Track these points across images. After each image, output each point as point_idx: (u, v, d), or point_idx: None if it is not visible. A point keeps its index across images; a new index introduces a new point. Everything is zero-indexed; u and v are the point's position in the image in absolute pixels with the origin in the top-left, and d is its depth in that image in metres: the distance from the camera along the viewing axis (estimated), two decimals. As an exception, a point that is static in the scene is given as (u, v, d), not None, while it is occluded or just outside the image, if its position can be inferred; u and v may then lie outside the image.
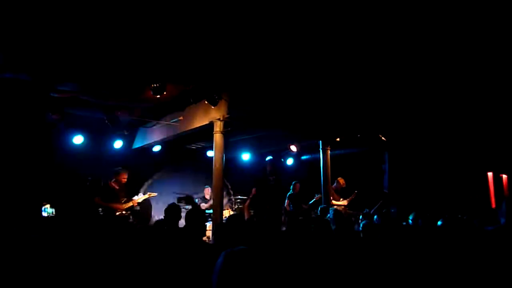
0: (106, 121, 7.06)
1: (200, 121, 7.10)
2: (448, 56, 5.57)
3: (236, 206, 9.79)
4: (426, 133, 8.23)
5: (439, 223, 3.76)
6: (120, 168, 6.73)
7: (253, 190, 7.48)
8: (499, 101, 6.86)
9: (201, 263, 3.17)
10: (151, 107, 7.44)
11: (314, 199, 8.51)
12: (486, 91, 6.55)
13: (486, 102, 6.87)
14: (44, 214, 7.07)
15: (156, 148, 9.14)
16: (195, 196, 9.47)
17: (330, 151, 8.60)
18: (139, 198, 6.87)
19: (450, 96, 6.72)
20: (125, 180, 6.67)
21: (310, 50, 5.43)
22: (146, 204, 7.92)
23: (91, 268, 3.37)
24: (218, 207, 6.51)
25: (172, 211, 4.40)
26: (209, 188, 8.94)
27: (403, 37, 5.08)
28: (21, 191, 5.76)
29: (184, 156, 10.36)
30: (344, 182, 8.67)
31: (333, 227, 4.51)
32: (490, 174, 9.47)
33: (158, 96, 6.19)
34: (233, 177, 10.59)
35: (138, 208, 6.73)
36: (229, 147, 8.40)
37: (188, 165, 10.30)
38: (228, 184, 10.61)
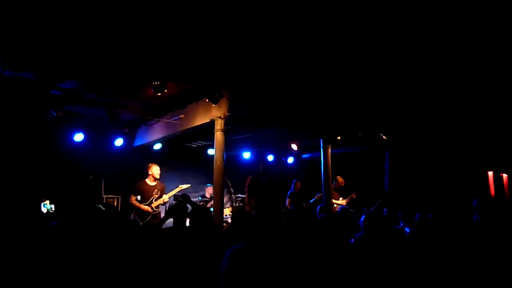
0: (106, 117, 7.08)
1: (201, 119, 7.10)
2: (449, 56, 5.56)
3: (237, 204, 9.80)
4: (426, 132, 8.23)
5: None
6: (148, 163, 6.81)
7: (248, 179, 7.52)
8: (500, 101, 6.86)
9: (207, 262, 3.18)
10: (152, 105, 7.45)
11: (315, 198, 8.52)
12: (486, 90, 6.54)
13: (486, 101, 6.86)
14: (44, 210, 7.10)
15: (157, 146, 9.15)
16: (196, 194, 9.48)
17: (331, 149, 8.61)
18: (169, 194, 6.87)
19: (451, 95, 6.71)
20: (158, 173, 6.75)
21: (311, 48, 5.43)
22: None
23: (91, 265, 3.37)
24: (219, 205, 6.52)
25: (177, 210, 4.38)
26: (211, 187, 8.95)
27: (404, 35, 5.08)
28: (21, 187, 5.78)
29: (185, 154, 10.37)
30: (343, 180, 8.68)
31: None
32: (490, 173, 9.48)
33: (159, 94, 6.21)
34: (234, 176, 10.60)
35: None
36: (230, 145, 8.40)
37: (189, 163, 10.31)
38: (229, 182, 10.61)
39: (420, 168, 9.04)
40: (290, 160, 11.24)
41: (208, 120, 6.88)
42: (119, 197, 8.56)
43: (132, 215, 6.85)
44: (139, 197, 6.75)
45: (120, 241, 3.83)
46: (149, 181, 6.84)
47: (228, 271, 1.70)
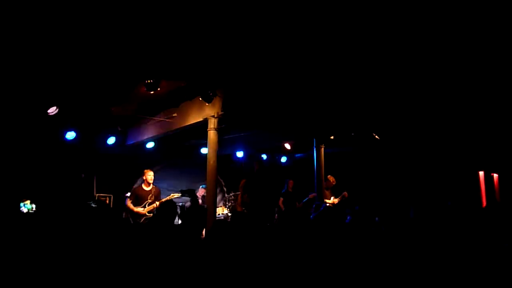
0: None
1: (194, 118, 7.09)
2: (440, 57, 5.61)
3: (230, 204, 9.80)
4: (418, 132, 8.29)
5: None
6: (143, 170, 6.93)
7: (242, 182, 7.56)
8: (491, 101, 6.93)
9: (196, 260, 3.17)
10: (145, 103, 7.41)
11: (308, 198, 8.53)
12: (478, 91, 6.61)
13: (478, 101, 6.93)
14: (24, 210, 7.06)
15: (150, 145, 9.11)
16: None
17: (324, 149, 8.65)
18: (163, 200, 6.96)
19: (443, 96, 6.77)
20: (151, 178, 6.85)
21: (305, 49, 5.44)
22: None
23: (80, 262, 3.35)
24: (211, 204, 6.51)
25: (167, 208, 4.37)
26: (204, 189, 8.94)
27: (396, 36, 5.11)
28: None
29: (178, 153, 10.33)
30: (334, 180, 8.70)
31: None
32: (481, 173, 9.57)
33: (152, 92, 6.18)
34: (227, 175, 10.59)
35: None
36: (223, 144, 8.39)
37: (182, 162, 10.28)
38: (222, 181, 10.61)
39: (410, 168, 9.11)
40: (283, 159, 11.26)
41: (201, 119, 6.87)
42: (111, 196, 8.51)
43: (124, 216, 6.88)
44: (133, 202, 6.86)
45: (112, 238, 3.81)
46: (145, 187, 6.97)
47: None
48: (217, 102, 6.57)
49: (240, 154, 10.48)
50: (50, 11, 4.43)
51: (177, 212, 4.41)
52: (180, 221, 7.69)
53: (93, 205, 6.54)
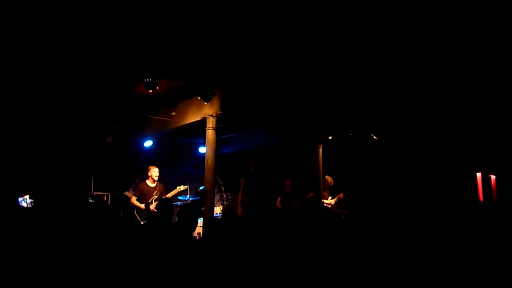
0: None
1: (192, 117, 7.08)
2: (437, 58, 5.62)
3: (227, 203, 9.79)
4: (416, 134, 8.31)
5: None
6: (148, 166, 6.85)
7: (242, 181, 7.54)
8: (489, 102, 6.95)
9: (189, 259, 3.18)
10: (143, 101, 7.40)
11: (306, 198, 8.54)
12: (475, 92, 6.63)
13: (475, 103, 6.95)
14: (24, 204, 7.04)
15: (148, 144, 9.08)
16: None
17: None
18: (169, 194, 6.88)
19: (440, 97, 6.78)
20: (156, 175, 6.76)
21: (303, 48, 5.45)
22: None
23: (75, 260, 3.35)
24: (209, 203, 6.51)
25: (164, 206, 4.39)
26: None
27: (393, 37, 5.12)
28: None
29: (176, 152, 10.31)
30: (332, 180, 8.71)
31: None
32: (479, 174, 9.60)
33: (151, 91, 6.17)
34: (225, 174, 10.58)
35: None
36: (222, 143, 8.39)
37: (180, 161, 10.26)
38: (220, 180, 10.59)
39: (409, 169, 9.12)
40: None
41: (200, 118, 6.87)
42: (109, 194, 8.50)
43: (122, 215, 6.84)
44: (137, 198, 6.77)
45: (108, 235, 3.81)
46: (149, 183, 6.89)
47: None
48: (216, 101, 6.57)
49: (238, 153, 10.46)
50: (50, 11, 4.44)
51: (174, 211, 4.42)
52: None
53: (91, 201, 6.55)
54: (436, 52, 5.49)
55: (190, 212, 3.89)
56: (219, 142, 7.14)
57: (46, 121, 7.27)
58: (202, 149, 9.32)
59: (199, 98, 6.37)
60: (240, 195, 7.60)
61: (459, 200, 8.63)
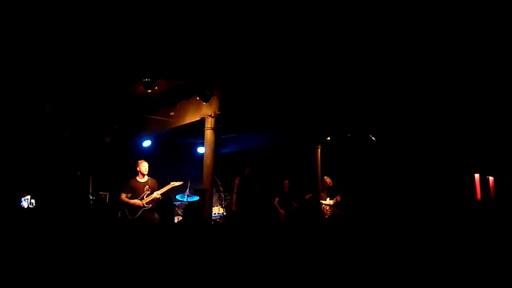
0: None
1: (191, 117, 7.08)
2: (435, 60, 5.64)
3: (226, 203, 9.80)
4: (414, 135, 8.32)
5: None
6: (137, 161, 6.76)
7: (236, 180, 7.52)
8: (487, 104, 6.96)
9: (194, 258, 3.18)
10: (142, 101, 7.40)
11: (304, 199, 8.54)
12: (474, 94, 6.64)
13: (473, 104, 6.96)
14: (25, 204, 7.02)
15: (146, 143, 9.08)
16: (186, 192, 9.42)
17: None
18: (162, 189, 6.78)
19: (439, 98, 6.80)
20: (146, 169, 6.68)
21: (302, 49, 5.45)
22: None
23: (75, 259, 3.34)
24: (208, 204, 6.51)
25: (164, 205, 4.37)
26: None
27: (391, 39, 5.13)
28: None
29: (175, 152, 10.31)
30: (330, 181, 8.71)
31: None
32: (477, 176, 9.61)
33: (149, 91, 6.17)
34: (223, 174, 10.57)
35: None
36: (221, 143, 8.39)
37: (179, 161, 10.26)
38: (218, 181, 10.59)
39: (407, 170, 9.13)
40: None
41: (198, 118, 6.86)
42: (107, 194, 8.49)
43: (120, 213, 6.77)
44: (129, 195, 6.67)
45: (108, 234, 3.82)
46: (139, 178, 6.77)
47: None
48: (215, 102, 6.57)
49: (237, 153, 10.46)
50: (50, 11, 4.44)
51: (174, 211, 4.41)
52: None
53: (92, 198, 6.51)
54: (434, 54, 5.50)
55: (193, 213, 3.89)
56: (218, 142, 7.14)
57: (44, 120, 7.25)
58: (200, 149, 9.33)
59: (198, 98, 6.37)
60: (234, 195, 7.59)
61: (457, 201, 8.65)
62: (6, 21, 4.57)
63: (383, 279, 3.24)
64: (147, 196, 6.59)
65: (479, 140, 8.35)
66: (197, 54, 5.62)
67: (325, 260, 3.32)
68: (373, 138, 8.40)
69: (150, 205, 6.53)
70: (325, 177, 8.74)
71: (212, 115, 6.64)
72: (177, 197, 7.93)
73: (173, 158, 10.24)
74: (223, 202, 10.03)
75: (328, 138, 8.61)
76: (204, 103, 6.45)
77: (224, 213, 9.08)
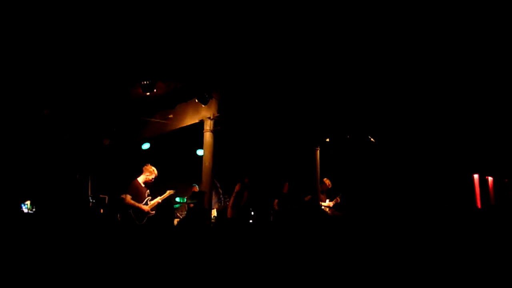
0: None
1: (190, 120, 7.09)
2: (434, 61, 5.64)
3: (225, 205, 9.77)
4: (413, 136, 8.32)
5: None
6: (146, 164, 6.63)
7: (237, 186, 7.47)
8: (485, 105, 6.97)
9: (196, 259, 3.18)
10: (141, 103, 7.40)
11: (304, 200, 8.52)
12: (473, 95, 6.65)
13: (472, 105, 6.97)
14: (25, 210, 6.99)
15: (145, 146, 9.07)
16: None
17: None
18: (161, 196, 6.72)
19: (438, 99, 6.80)
20: (151, 176, 6.51)
21: (301, 51, 5.45)
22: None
23: (76, 262, 3.34)
24: (207, 205, 6.50)
25: (165, 208, 4.35)
26: (197, 187, 8.90)
27: (390, 40, 5.14)
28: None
29: (174, 154, 10.29)
30: (330, 183, 8.69)
31: None
32: (476, 176, 9.61)
33: (148, 93, 6.16)
34: (222, 176, 10.56)
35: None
36: (219, 145, 8.37)
37: (178, 163, 10.24)
38: (217, 183, 10.58)
39: (406, 171, 9.13)
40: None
41: (197, 121, 6.87)
42: (106, 197, 8.48)
43: (119, 216, 6.71)
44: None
45: (109, 237, 3.82)
46: (144, 183, 6.61)
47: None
48: (213, 104, 6.58)
49: (235, 156, 10.45)
50: (49, 13, 4.43)
51: (174, 213, 4.40)
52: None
53: (91, 200, 6.48)
54: (433, 56, 5.51)
55: (195, 215, 3.89)
56: (217, 144, 7.13)
57: (43, 123, 7.25)
58: (199, 152, 9.33)
59: (196, 101, 6.37)
60: (232, 199, 7.55)
61: (456, 202, 8.65)
62: (6, 23, 4.56)
63: (382, 280, 3.24)
64: (150, 201, 6.49)
65: (478, 141, 8.36)
66: (196, 56, 5.62)
67: (323, 261, 3.32)
68: (372, 139, 8.40)
69: (154, 211, 6.41)
70: (325, 178, 8.72)
71: (211, 118, 6.64)
72: (176, 199, 7.91)
73: (172, 160, 10.22)
74: (221, 204, 10.01)
75: (327, 140, 8.60)
76: (203, 106, 6.45)
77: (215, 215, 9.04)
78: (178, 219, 8.29)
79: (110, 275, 3.16)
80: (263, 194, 7.71)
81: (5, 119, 6.38)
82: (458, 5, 4.39)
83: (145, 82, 6.02)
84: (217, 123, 6.71)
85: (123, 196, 6.47)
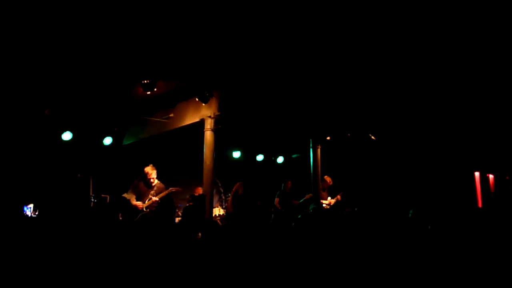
0: None
1: (191, 118, 7.08)
2: (435, 58, 5.63)
3: (226, 205, 9.77)
4: (414, 133, 8.31)
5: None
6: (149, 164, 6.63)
7: (237, 184, 7.49)
8: (487, 102, 6.96)
9: (193, 258, 3.18)
10: (141, 103, 7.40)
11: (304, 198, 8.53)
12: (474, 92, 6.64)
13: (473, 102, 6.96)
14: (28, 213, 6.98)
15: (146, 145, 9.07)
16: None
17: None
18: (160, 194, 6.71)
19: (439, 97, 6.79)
20: (151, 176, 6.50)
21: (301, 49, 5.45)
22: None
23: (79, 265, 3.34)
24: (208, 205, 6.50)
25: (165, 205, 4.36)
26: (200, 188, 8.90)
27: (391, 38, 5.13)
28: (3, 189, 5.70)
29: (175, 153, 10.29)
30: (331, 180, 8.69)
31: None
32: (477, 174, 9.60)
33: (149, 92, 6.16)
34: (223, 175, 10.56)
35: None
36: (220, 144, 8.38)
37: (178, 162, 10.23)
38: (218, 182, 10.57)
39: (407, 169, 9.13)
40: (280, 159, 11.25)
41: (198, 119, 6.86)
42: (107, 196, 8.48)
43: (120, 215, 6.73)
44: (133, 197, 6.56)
45: (111, 235, 3.82)
46: (147, 183, 6.61)
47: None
48: (214, 103, 6.57)
49: (236, 154, 10.46)
50: (49, 12, 4.43)
51: (175, 210, 4.40)
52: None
53: (93, 200, 6.49)
54: (434, 53, 5.50)
55: (194, 213, 3.89)
56: (217, 143, 7.13)
57: (44, 123, 7.25)
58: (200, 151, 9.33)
59: (197, 99, 6.36)
60: (231, 196, 7.57)
61: (457, 200, 8.65)
62: (6, 22, 4.57)
63: (383, 279, 3.24)
64: (148, 201, 6.49)
65: (480, 138, 8.35)
66: (196, 55, 5.61)
67: (324, 260, 3.32)
68: (372, 137, 8.39)
69: (149, 210, 6.40)
70: (326, 176, 8.72)
71: (212, 116, 6.64)
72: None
73: (174, 160, 10.23)
74: (223, 203, 10.01)
75: (328, 138, 8.60)
76: (203, 104, 6.45)
77: (224, 214, 9.07)
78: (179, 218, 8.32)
79: (109, 273, 3.16)
80: (263, 193, 7.71)
81: (5, 119, 6.39)
82: (460, 4, 4.39)
83: (145, 81, 6.02)
84: (218, 121, 6.70)
85: (128, 197, 6.50)
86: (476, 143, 8.58)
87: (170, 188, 7.04)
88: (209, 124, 6.66)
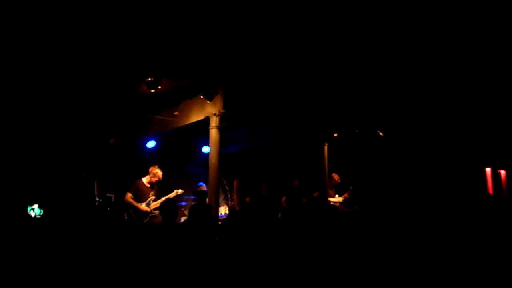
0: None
1: (195, 116, 7.03)
2: (445, 53, 5.53)
3: (232, 203, 9.72)
4: (423, 129, 8.20)
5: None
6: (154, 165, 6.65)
7: (235, 182, 7.46)
8: (498, 97, 6.84)
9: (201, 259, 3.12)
10: (146, 101, 7.36)
11: (312, 196, 8.44)
12: (484, 87, 6.52)
13: (484, 98, 6.84)
14: (32, 214, 6.96)
15: (150, 144, 9.03)
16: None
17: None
18: (166, 196, 6.72)
19: (448, 92, 6.69)
20: (159, 177, 6.53)
21: (307, 45, 5.38)
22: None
23: (85, 265, 3.30)
24: (213, 203, 6.44)
25: (167, 207, 4.32)
26: (204, 186, 8.85)
27: (399, 34, 5.04)
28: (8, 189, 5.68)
29: (180, 152, 10.26)
30: (338, 178, 8.61)
31: None
32: (488, 169, 9.43)
33: (153, 90, 6.11)
34: (229, 174, 10.51)
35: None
36: (226, 142, 8.31)
37: (184, 161, 10.20)
38: (224, 180, 10.52)
39: (416, 165, 9.01)
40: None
41: (203, 117, 6.81)
42: (112, 196, 8.47)
43: (126, 215, 6.70)
44: (133, 197, 6.57)
45: (116, 236, 3.78)
46: (147, 183, 6.65)
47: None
48: (219, 100, 6.51)
49: (241, 152, 10.38)
50: (52, 11, 4.40)
51: (178, 212, 4.35)
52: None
53: (98, 199, 6.47)
54: (444, 48, 5.40)
55: (199, 213, 3.83)
56: (223, 141, 7.06)
57: (48, 122, 7.24)
58: (205, 149, 9.26)
59: (202, 97, 6.31)
60: (235, 196, 7.53)
61: (469, 196, 8.50)
62: (10, 22, 4.54)
63: (392, 277, 3.16)
64: (153, 201, 6.51)
65: (491, 133, 8.21)
66: (200, 52, 5.56)
67: (332, 258, 3.24)
68: (380, 133, 8.28)
69: (157, 211, 6.40)
70: (333, 174, 8.64)
71: (217, 114, 6.57)
72: (184, 196, 7.88)
73: (178, 158, 10.19)
74: (229, 202, 9.96)
75: (335, 135, 8.51)
76: (208, 102, 6.40)
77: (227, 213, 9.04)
78: (185, 217, 8.28)
79: (112, 273, 3.11)
80: (271, 191, 7.65)
81: (9, 119, 6.37)
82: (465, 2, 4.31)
83: (149, 79, 5.98)
84: (223, 119, 6.63)
85: (126, 193, 6.53)
86: (487, 139, 8.44)
87: (175, 191, 7.06)
88: (214, 122, 6.59)
